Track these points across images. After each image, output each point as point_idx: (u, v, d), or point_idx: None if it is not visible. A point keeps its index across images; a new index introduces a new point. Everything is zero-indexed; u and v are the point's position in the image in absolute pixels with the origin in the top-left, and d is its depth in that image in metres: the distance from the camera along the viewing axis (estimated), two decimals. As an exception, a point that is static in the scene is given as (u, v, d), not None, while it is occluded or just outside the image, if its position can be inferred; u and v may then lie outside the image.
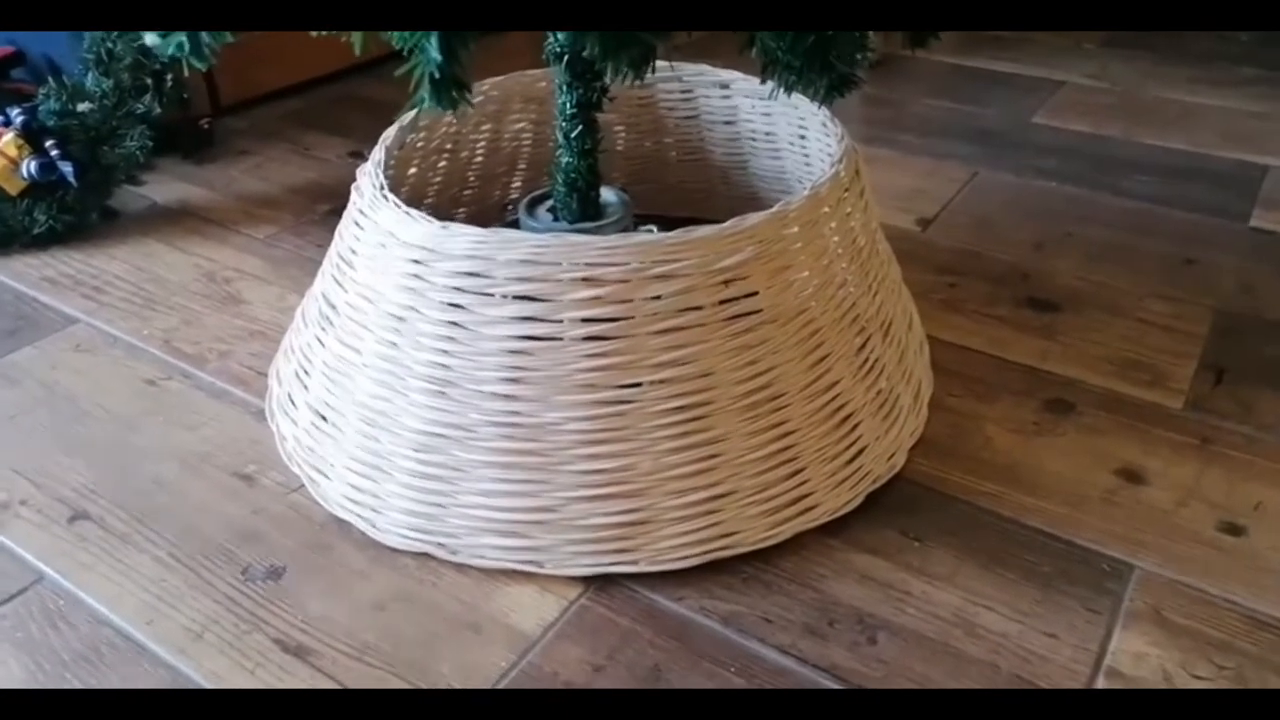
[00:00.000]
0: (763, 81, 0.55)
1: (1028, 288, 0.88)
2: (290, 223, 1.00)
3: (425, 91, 0.38)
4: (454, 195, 0.87)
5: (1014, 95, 1.29)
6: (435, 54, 0.37)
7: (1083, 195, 1.04)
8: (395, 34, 0.40)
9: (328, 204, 1.04)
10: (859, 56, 0.50)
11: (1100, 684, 0.53)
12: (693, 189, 0.93)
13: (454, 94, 0.38)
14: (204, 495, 0.65)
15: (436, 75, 0.37)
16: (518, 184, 0.91)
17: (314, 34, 0.36)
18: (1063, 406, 0.73)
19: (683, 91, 0.89)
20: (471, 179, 0.88)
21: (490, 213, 0.90)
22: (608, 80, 0.60)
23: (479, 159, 0.88)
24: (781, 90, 0.55)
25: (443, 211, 0.86)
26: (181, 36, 0.45)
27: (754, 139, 0.88)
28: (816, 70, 0.48)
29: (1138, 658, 0.54)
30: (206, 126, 1.16)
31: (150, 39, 0.47)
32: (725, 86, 0.87)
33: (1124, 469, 0.67)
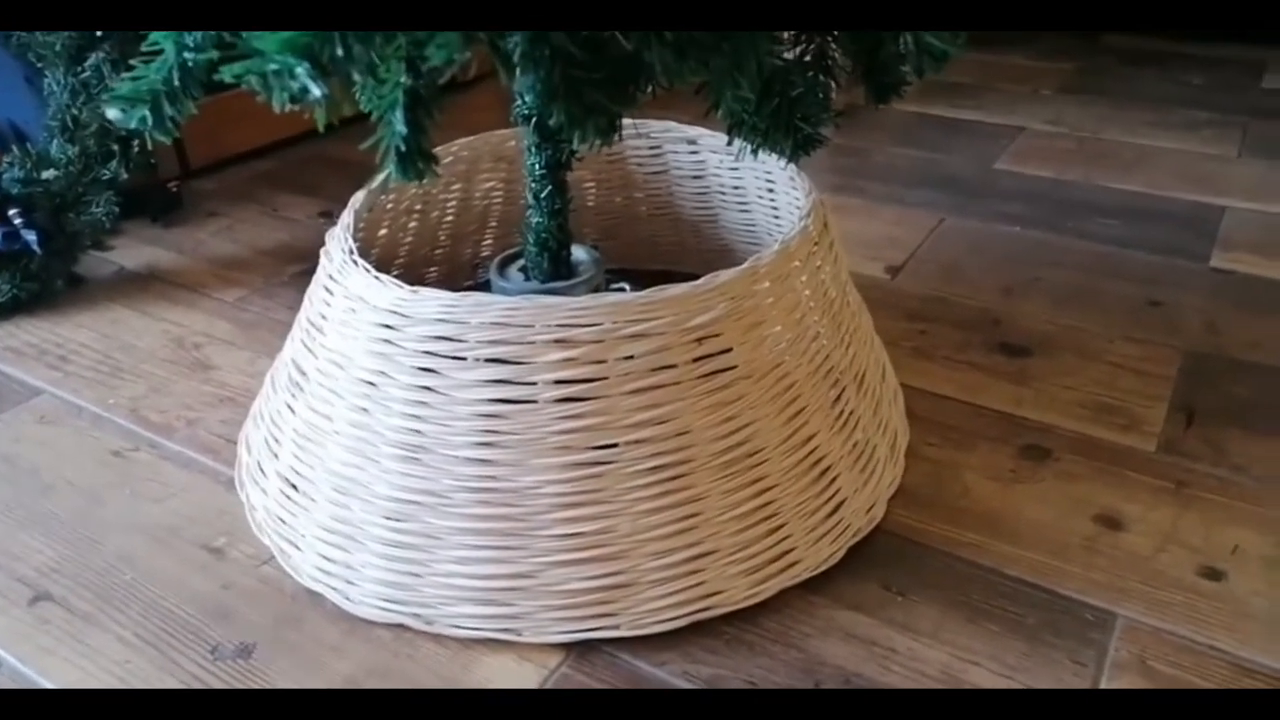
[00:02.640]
0: (730, 143, 0.55)
1: (998, 333, 0.88)
2: (260, 285, 0.99)
3: (391, 164, 0.38)
4: (425, 255, 0.87)
5: (976, 142, 1.32)
6: (401, 127, 0.37)
7: (1048, 239, 1.06)
8: (361, 104, 0.40)
9: (297, 265, 1.03)
10: (824, 115, 0.51)
11: (1090, 738, 0.52)
12: (664, 243, 0.94)
13: (420, 165, 0.38)
14: (172, 570, 0.64)
15: (402, 148, 0.37)
16: (489, 242, 0.91)
17: (275, 108, 0.36)
18: (1039, 452, 0.73)
19: (651, 148, 0.90)
20: (442, 238, 0.88)
21: (462, 271, 0.90)
22: (575, 146, 0.60)
23: (449, 218, 0.88)
24: (742, 153, 0.55)
25: (414, 271, 0.86)
26: (144, 110, 0.45)
27: (723, 193, 0.89)
28: (782, 131, 0.49)
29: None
30: (175, 189, 1.16)
31: (112, 113, 0.46)
32: (693, 142, 0.88)
33: (1103, 515, 0.67)
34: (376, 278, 0.61)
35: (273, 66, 0.33)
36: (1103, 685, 0.55)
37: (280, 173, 1.27)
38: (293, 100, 0.35)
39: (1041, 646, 0.57)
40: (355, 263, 0.63)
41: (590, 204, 0.92)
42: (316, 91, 0.34)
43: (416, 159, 0.37)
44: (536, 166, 0.67)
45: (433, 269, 0.88)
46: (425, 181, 0.39)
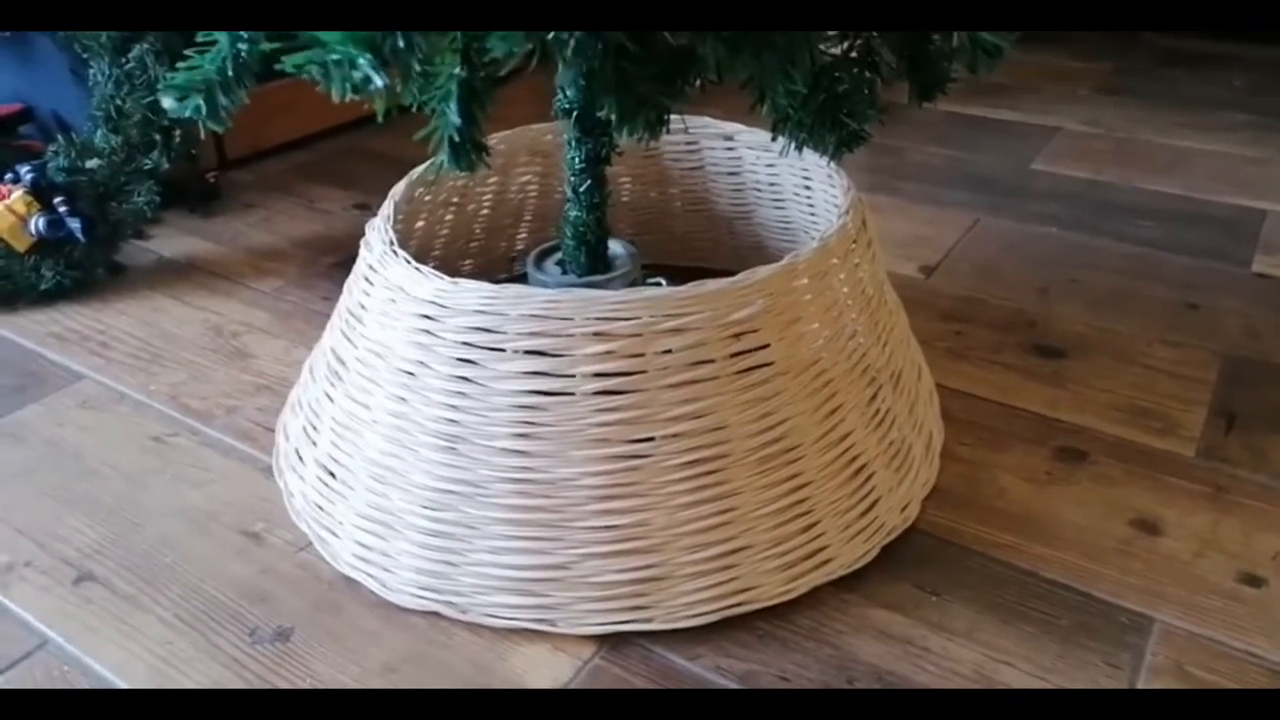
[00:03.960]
0: (774, 139, 0.55)
1: (1034, 334, 0.88)
2: (296, 276, 1.00)
3: (444, 154, 0.38)
4: (460, 248, 0.88)
5: (1012, 142, 1.31)
6: (455, 118, 0.37)
7: (1084, 241, 1.05)
8: (414, 95, 0.41)
9: (333, 256, 1.04)
10: (870, 112, 0.51)
11: (1126, 742, 0.52)
12: (699, 239, 0.94)
13: (472, 156, 0.38)
14: (211, 555, 0.65)
15: (456, 138, 0.37)
16: (524, 236, 0.91)
17: (335, 97, 0.37)
18: (1075, 455, 0.73)
19: (688, 143, 0.90)
20: (478, 231, 0.88)
21: (497, 265, 0.91)
22: (622, 140, 0.60)
23: (485, 212, 0.88)
24: (786, 152, 0.55)
25: (449, 264, 0.86)
26: (199, 99, 0.46)
27: (758, 189, 0.89)
28: (827, 127, 0.49)
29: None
30: (213, 180, 1.17)
31: (167, 102, 0.47)
32: (729, 138, 0.88)
33: (1139, 519, 0.67)
34: (417, 268, 0.61)
35: (334, 57, 0.34)
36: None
37: (316, 165, 1.29)
38: (354, 90, 0.35)
39: (1076, 649, 0.57)
40: (396, 253, 0.63)
41: (625, 199, 0.92)
42: (379, 82, 0.35)
43: (469, 149, 0.38)
44: (576, 160, 0.67)
45: (467, 261, 0.89)
46: (476, 172, 0.39)
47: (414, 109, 0.50)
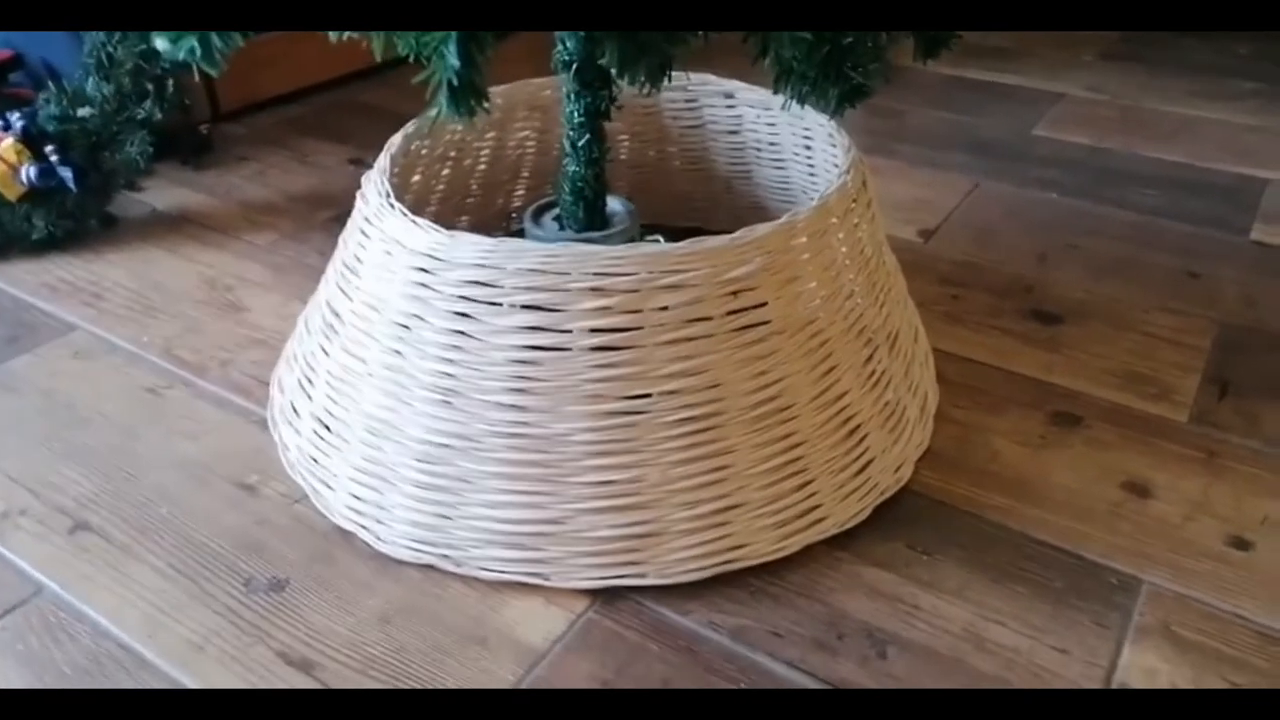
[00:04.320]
0: (776, 92, 0.54)
1: (1031, 300, 0.88)
2: (291, 230, 1.00)
3: (443, 99, 0.37)
4: (457, 204, 0.87)
5: (1014, 107, 1.30)
6: (454, 60, 0.36)
7: (1085, 207, 1.04)
8: (410, 40, 0.40)
9: (328, 211, 1.03)
10: (874, 65, 0.50)
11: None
12: (696, 199, 0.93)
13: (472, 102, 0.38)
14: (206, 505, 0.65)
15: (455, 82, 0.37)
16: (521, 192, 0.91)
17: (332, 38, 0.36)
18: (1069, 419, 0.73)
19: (687, 100, 0.89)
20: (475, 187, 0.88)
21: (493, 221, 0.90)
22: (621, 89, 0.60)
23: (482, 167, 0.87)
24: (792, 101, 0.55)
25: (445, 219, 0.85)
26: (192, 40, 0.45)
27: (758, 149, 0.88)
28: (830, 80, 0.48)
29: (1149, 673, 0.54)
30: (206, 133, 1.15)
31: (161, 44, 0.46)
32: (730, 96, 0.87)
33: (1131, 482, 0.67)
34: (413, 221, 0.61)
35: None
36: (1126, 649, 0.55)
37: (310, 119, 1.27)
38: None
39: (1066, 609, 0.57)
40: (392, 206, 0.63)
41: (623, 157, 0.91)
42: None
43: (469, 95, 0.37)
44: (575, 114, 0.66)
45: (464, 218, 0.88)
46: (475, 119, 0.38)
47: (410, 59, 0.50)
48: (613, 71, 0.60)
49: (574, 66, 0.64)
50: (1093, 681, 0.53)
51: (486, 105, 0.39)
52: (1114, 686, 0.53)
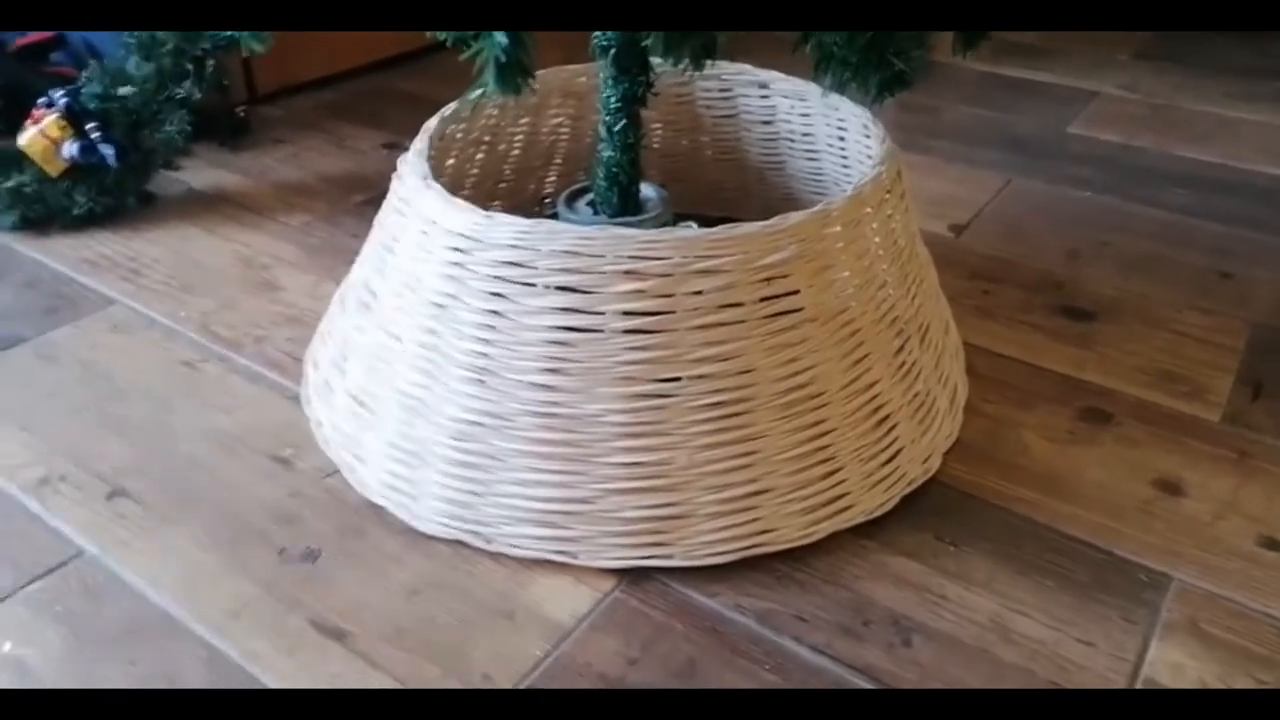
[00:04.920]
0: (816, 78, 0.54)
1: (1062, 296, 0.87)
2: (325, 212, 1.01)
3: (490, 76, 0.38)
4: (490, 188, 0.87)
5: (1048, 105, 1.29)
6: (502, 37, 0.37)
7: (1117, 205, 1.03)
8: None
9: (362, 194, 1.04)
10: (917, 52, 0.50)
11: (1138, 693, 0.52)
12: (727, 189, 0.93)
13: (519, 80, 0.38)
14: (240, 477, 0.66)
15: (503, 59, 0.37)
16: (553, 179, 0.91)
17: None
18: (1100, 416, 0.73)
19: (721, 90, 0.89)
20: (508, 172, 0.88)
21: (525, 207, 0.91)
22: (658, 75, 0.60)
23: (516, 152, 0.88)
24: (831, 89, 0.55)
25: (478, 204, 0.85)
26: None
27: (791, 140, 0.88)
28: (873, 66, 0.48)
29: (1175, 669, 0.54)
30: (243, 115, 1.17)
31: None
32: (764, 86, 0.87)
33: (1161, 480, 0.67)
34: (450, 201, 0.61)
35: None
36: (1153, 645, 0.55)
37: (345, 103, 1.28)
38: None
39: (1093, 603, 0.57)
40: (429, 186, 0.63)
41: (656, 146, 0.92)
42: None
43: (516, 72, 0.37)
44: (612, 99, 0.66)
45: (496, 203, 0.88)
46: (521, 96, 0.39)
47: (447, 44, 0.50)
48: (651, 58, 0.61)
49: (612, 51, 0.64)
50: (1119, 675, 0.53)
51: (533, 84, 0.40)
52: (1140, 681, 0.53)
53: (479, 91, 0.42)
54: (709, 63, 0.46)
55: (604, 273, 0.57)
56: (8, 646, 0.54)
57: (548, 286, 0.58)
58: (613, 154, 0.69)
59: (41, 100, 0.95)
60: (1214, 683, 0.53)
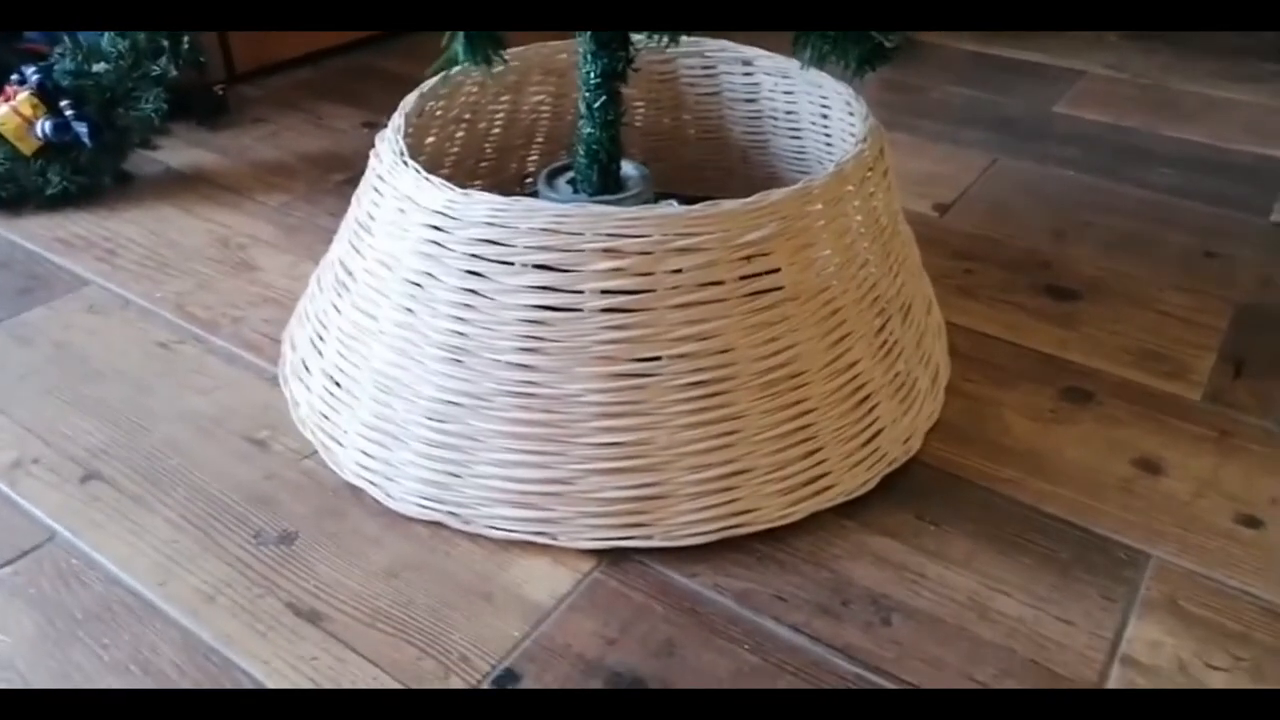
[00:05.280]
0: (796, 51, 0.54)
1: (1046, 275, 0.87)
2: (303, 191, 0.99)
3: (459, 46, 0.37)
4: (471, 167, 0.86)
5: (1035, 84, 1.28)
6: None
7: (1103, 185, 1.03)
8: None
9: (341, 173, 1.03)
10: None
11: (1115, 671, 0.52)
12: (711, 168, 0.92)
13: (488, 49, 0.37)
14: (216, 459, 0.65)
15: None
16: (535, 157, 0.90)
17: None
18: (1081, 395, 0.72)
19: (704, 67, 0.88)
20: (489, 150, 0.87)
21: (506, 186, 0.89)
22: (638, 50, 0.59)
23: (497, 130, 0.87)
24: (810, 63, 0.54)
25: (459, 183, 0.84)
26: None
27: (775, 118, 0.87)
28: (851, 39, 0.47)
29: (1153, 646, 0.54)
30: (221, 93, 1.15)
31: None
32: (748, 63, 0.86)
33: (1142, 459, 0.67)
34: (426, 178, 0.61)
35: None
36: (1131, 622, 0.55)
37: (324, 82, 1.27)
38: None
39: (1072, 581, 0.57)
40: (406, 163, 0.63)
41: (638, 124, 0.91)
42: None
43: (485, 42, 0.36)
44: (591, 75, 0.66)
45: (477, 181, 0.87)
46: (492, 68, 0.38)
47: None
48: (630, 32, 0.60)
49: (591, 26, 0.63)
50: (1098, 653, 0.53)
51: (504, 55, 0.39)
52: (1118, 659, 0.53)
53: (448, 63, 0.41)
54: (687, 35, 0.45)
55: (582, 251, 0.57)
56: (-22, 630, 0.53)
57: (525, 265, 0.57)
58: (593, 131, 0.68)
59: (14, 77, 0.94)
60: (1191, 659, 0.53)
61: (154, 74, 0.96)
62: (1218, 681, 0.52)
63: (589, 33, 0.64)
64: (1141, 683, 0.52)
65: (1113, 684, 0.52)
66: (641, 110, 0.91)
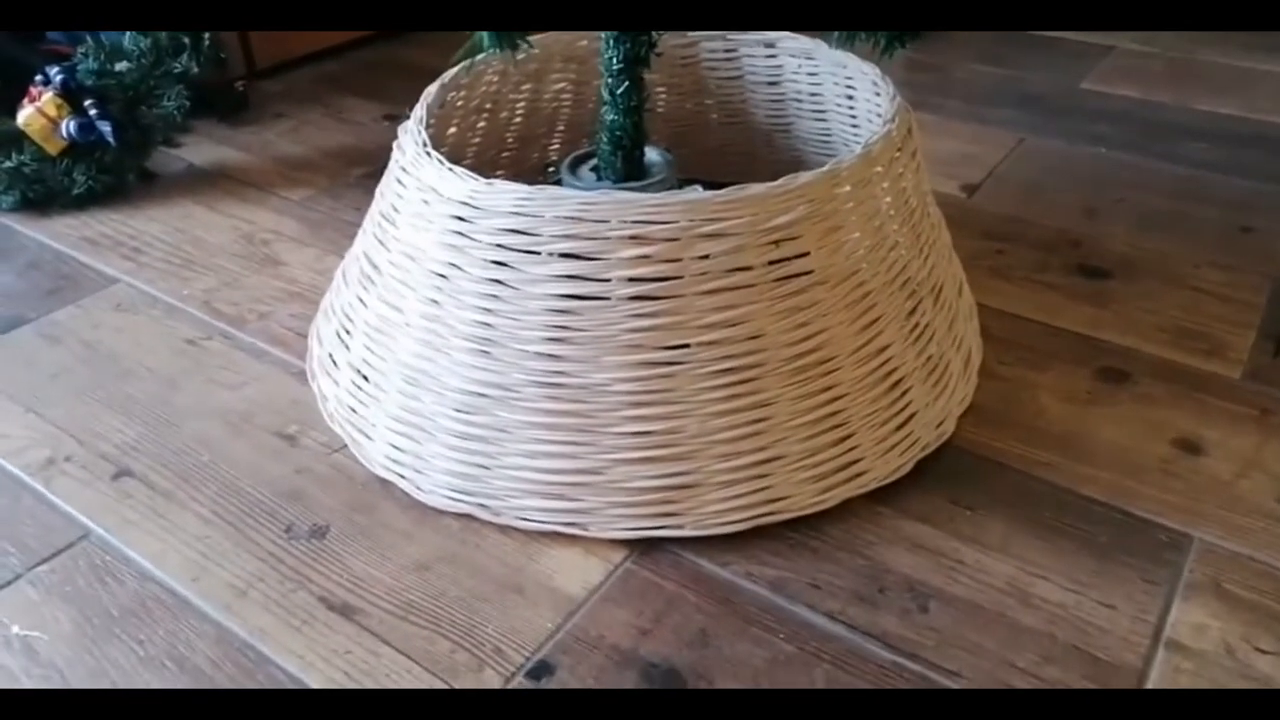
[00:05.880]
0: (824, 31, 0.53)
1: (1078, 254, 0.85)
2: (326, 185, 0.99)
3: (484, 32, 0.36)
4: (492, 157, 0.86)
5: (1062, 61, 1.26)
6: (494, -7, 0.35)
7: (1134, 161, 1.01)
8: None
9: (363, 167, 1.03)
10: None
11: (1160, 655, 0.51)
12: (734, 152, 0.91)
13: (514, 35, 0.37)
14: (246, 454, 0.65)
15: (495, 15, 0.36)
16: (556, 146, 0.90)
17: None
18: (1117, 375, 0.71)
19: (726, 50, 0.87)
20: (510, 140, 0.87)
21: (528, 175, 0.89)
22: (661, 34, 0.58)
23: (518, 120, 0.86)
24: (839, 43, 0.53)
25: (481, 173, 0.84)
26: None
27: (799, 100, 0.86)
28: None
29: (1198, 629, 0.53)
30: (242, 90, 1.15)
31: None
32: (770, 45, 0.85)
33: (1181, 439, 0.65)
34: (450, 169, 0.60)
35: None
36: (1175, 606, 0.54)
37: (344, 76, 1.26)
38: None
39: (1113, 565, 0.56)
40: (429, 154, 0.62)
41: (660, 110, 0.90)
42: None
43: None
44: (614, 61, 0.65)
45: (499, 171, 0.87)
46: (519, 54, 0.37)
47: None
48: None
49: (613, 11, 0.62)
50: (1141, 637, 0.52)
51: (529, 41, 0.38)
52: (1163, 644, 0.52)
53: (473, 51, 0.40)
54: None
55: (609, 238, 0.56)
56: (16, 629, 0.53)
57: (551, 254, 0.57)
58: (616, 117, 0.67)
59: (38, 78, 0.94)
60: (1238, 642, 0.52)
61: (175, 71, 0.96)
62: (1265, 665, 0.51)
63: (610, 18, 0.63)
64: (1187, 666, 0.51)
65: (1157, 668, 0.51)
66: (664, 96, 0.90)
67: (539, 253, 0.57)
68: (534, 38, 0.83)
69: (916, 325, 0.64)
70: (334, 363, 0.69)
